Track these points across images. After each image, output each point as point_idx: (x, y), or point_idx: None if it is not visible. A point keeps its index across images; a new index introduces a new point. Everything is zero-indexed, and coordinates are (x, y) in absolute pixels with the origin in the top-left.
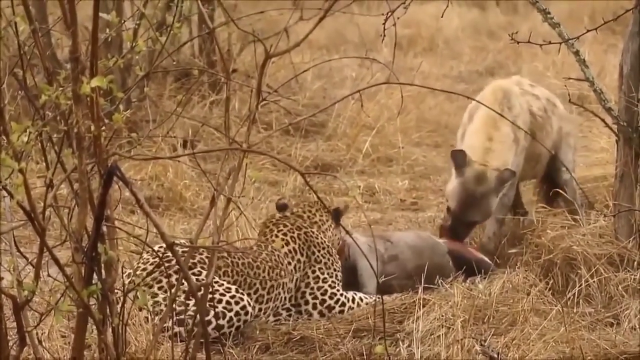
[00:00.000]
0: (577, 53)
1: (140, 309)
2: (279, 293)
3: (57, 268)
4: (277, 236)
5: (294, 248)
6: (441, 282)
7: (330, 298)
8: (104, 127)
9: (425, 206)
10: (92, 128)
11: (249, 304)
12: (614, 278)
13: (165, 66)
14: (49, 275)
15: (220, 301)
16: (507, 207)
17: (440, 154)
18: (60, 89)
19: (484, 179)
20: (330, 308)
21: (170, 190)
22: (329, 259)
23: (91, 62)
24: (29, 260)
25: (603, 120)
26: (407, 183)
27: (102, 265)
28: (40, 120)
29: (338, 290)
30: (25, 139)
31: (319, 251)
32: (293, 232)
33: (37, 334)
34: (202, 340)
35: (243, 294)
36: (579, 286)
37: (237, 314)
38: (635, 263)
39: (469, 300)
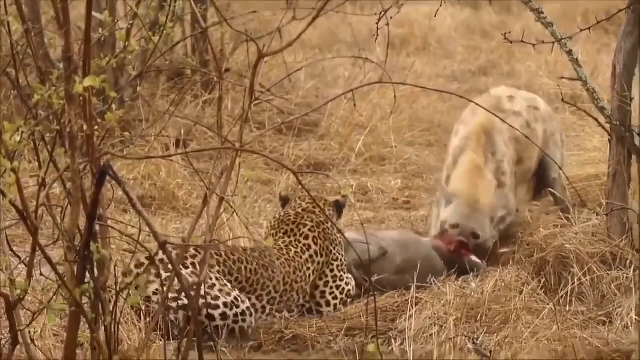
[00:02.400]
0: (570, 52)
1: (133, 307)
2: (293, 295)
3: (49, 267)
4: (302, 237)
5: (316, 251)
6: (434, 281)
7: (347, 295)
8: (96, 127)
9: (418, 205)
10: (85, 127)
11: (247, 309)
12: (606, 276)
13: (158, 66)
14: (41, 274)
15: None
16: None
17: (433, 153)
18: (53, 88)
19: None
20: (345, 304)
21: (162, 189)
22: (342, 255)
23: (84, 62)
24: (22, 259)
25: (596, 119)
26: (400, 182)
27: (95, 264)
28: (33, 119)
29: (352, 287)
30: (18, 139)
31: (334, 248)
32: (315, 232)
33: (29, 332)
34: (194, 338)
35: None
36: (572, 284)
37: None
38: (628, 261)
39: (461, 299)
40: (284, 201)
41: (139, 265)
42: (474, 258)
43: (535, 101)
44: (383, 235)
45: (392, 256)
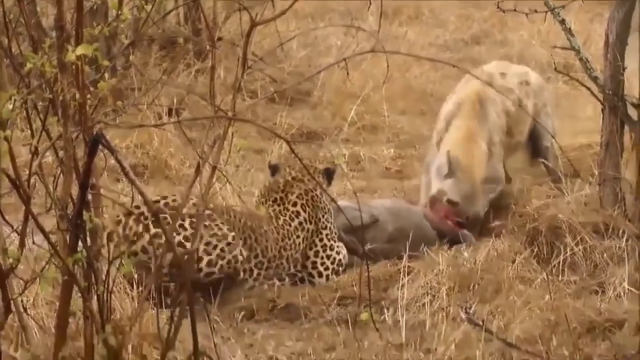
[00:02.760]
0: (562, 22)
1: (125, 276)
2: (282, 263)
3: (42, 236)
4: (290, 204)
5: (305, 218)
6: (426, 250)
7: (338, 265)
8: (89, 95)
9: (410, 174)
10: (77, 96)
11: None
12: (599, 246)
13: (150, 34)
14: (34, 243)
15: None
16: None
17: (425, 122)
18: (46, 57)
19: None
20: (337, 273)
21: (155, 158)
22: (331, 223)
23: (76, 30)
24: (14, 228)
25: (589, 88)
26: (392, 151)
27: (87, 232)
28: (26, 88)
29: (343, 255)
30: (10, 107)
31: (323, 216)
32: (303, 199)
33: (22, 301)
34: (187, 307)
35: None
36: (564, 254)
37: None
38: (621, 231)
39: (454, 268)
40: (274, 170)
41: (127, 214)
42: (465, 232)
43: (527, 75)
44: (375, 203)
45: (383, 224)
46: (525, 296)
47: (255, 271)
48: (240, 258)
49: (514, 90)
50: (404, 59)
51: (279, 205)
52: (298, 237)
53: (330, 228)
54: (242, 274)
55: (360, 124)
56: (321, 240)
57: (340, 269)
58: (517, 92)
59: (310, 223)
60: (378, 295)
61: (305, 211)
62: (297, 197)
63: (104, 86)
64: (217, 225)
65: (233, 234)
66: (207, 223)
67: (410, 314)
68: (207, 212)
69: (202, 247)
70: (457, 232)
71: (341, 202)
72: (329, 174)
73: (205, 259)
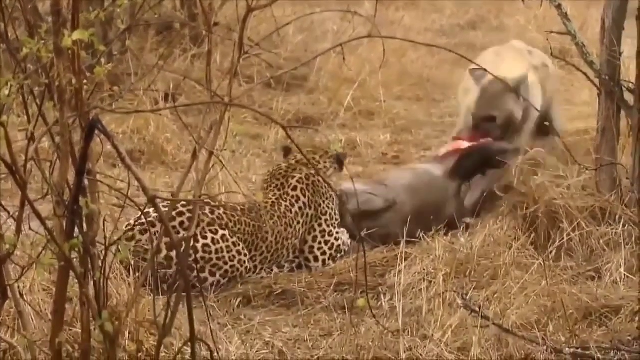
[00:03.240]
0: (559, 6)
1: (122, 262)
2: (282, 253)
3: (38, 222)
4: (290, 188)
5: (304, 203)
6: (422, 236)
7: (337, 251)
8: (85, 81)
9: (407, 159)
10: (74, 81)
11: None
12: (595, 232)
13: (147, 19)
14: (30, 229)
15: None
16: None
17: (422, 108)
18: (42, 42)
19: (500, 80)
20: (334, 259)
21: (151, 143)
22: (332, 209)
23: (73, 15)
24: (11, 213)
25: (585, 74)
26: (388, 137)
27: (84, 218)
28: (22, 73)
29: (343, 242)
30: (7, 92)
31: (323, 202)
32: (303, 183)
33: (18, 287)
34: (183, 293)
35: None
36: (561, 240)
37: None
38: (617, 217)
39: (450, 254)
40: (286, 152)
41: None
42: (502, 144)
43: (547, 59)
44: (393, 182)
45: (401, 206)
46: (521, 282)
47: (259, 267)
48: (245, 264)
49: (538, 68)
50: (401, 44)
51: (279, 190)
52: (298, 222)
53: (330, 214)
54: (245, 273)
55: (356, 109)
56: (320, 225)
57: (339, 255)
58: (540, 71)
59: (310, 208)
60: (375, 281)
61: (305, 196)
62: (297, 181)
63: (100, 71)
64: (223, 237)
65: (240, 246)
66: (213, 236)
67: (406, 299)
68: (212, 219)
69: (208, 267)
70: (495, 147)
71: (357, 185)
72: (339, 160)
73: (210, 279)
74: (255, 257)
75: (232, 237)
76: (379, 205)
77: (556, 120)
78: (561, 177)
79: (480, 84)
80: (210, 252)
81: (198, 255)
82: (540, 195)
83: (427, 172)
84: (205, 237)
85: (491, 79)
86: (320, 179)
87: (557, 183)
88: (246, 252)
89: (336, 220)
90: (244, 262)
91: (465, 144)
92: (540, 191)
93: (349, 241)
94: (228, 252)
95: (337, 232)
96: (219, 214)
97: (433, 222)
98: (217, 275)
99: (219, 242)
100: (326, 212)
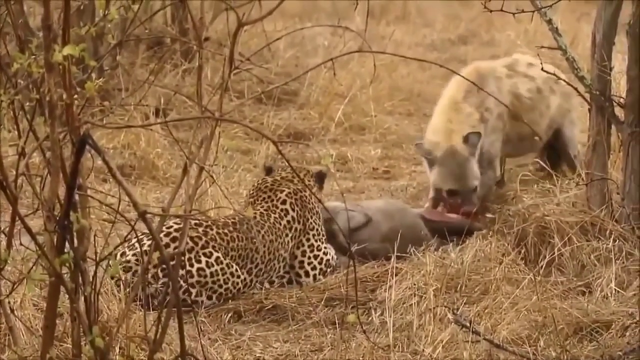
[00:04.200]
0: (549, 21)
1: (112, 278)
2: (274, 265)
3: (29, 237)
4: (279, 202)
5: (293, 217)
6: (413, 251)
7: (326, 266)
8: (76, 96)
9: (397, 174)
10: (65, 96)
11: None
12: (586, 247)
13: (137, 34)
14: (21, 244)
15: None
16: (488, 186)
17: (412, 123)
18: (33, 57)
19: (454, 151)
20: (325, 274)
21: (142, 158)
22: (319, 225)
23: (63, 30)
24: (1, 228)
25: (576, 88)
26: (379, 151)
27: (74, 234)
28: (13, 88)
29: (332, 257)
30: None
31: (311, 217)
32: (292, 198)
33: (9, 302)
34: (174, 308)
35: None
36: (551, 255)
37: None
38: (608, 232)
39: (441, 269)
40: (268, 171)
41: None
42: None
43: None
44: (367, 204)
45: (377, 224)
46: (512, 297)
47: (255, 280)
48: (238, 285)
49: (535, 79)
50: (391, 59)
51: (267, 203)
52: (287, 235)
53: (317, 229)
54: (237, 293)
55: (347, 124)
56: (308, 240)
57: (328, 270)
58: (540, 83)
59: (299, 222)
60: (365, 296)
61: (293, 210)
62: (286, 195)
63: (91, 87)
64: (217, 259)
65: (234, 267)
66: (207, 260)
67: (397, 315)
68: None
69: (204, 292)
70: (464, 222)
71: (334, 203)
72: (320, 177)
73: (207, 302)
74: (252, 270)
75: (225, 259)
76: (361, 221)
77: (570, 143)
78: (550, 194)
79: (435, 160)
80: (205, 276)
81: (194, 280)
82: (529, 214)
83: (398, 202)
84: (199, 261)
85: (445, 153)
86: (307, 194)
87: (546, 201)
88: (239, 273)
89: (323, 235)
90: (238, 283)
91: (451, 216)
92: (530, 210)
93: (335, 256)
94: (223, 275)
95: (325, 247)
96: (212, 234)
97: (409, 243)
98: (214, 298)
99: (213, 265)
100: (313, 227)
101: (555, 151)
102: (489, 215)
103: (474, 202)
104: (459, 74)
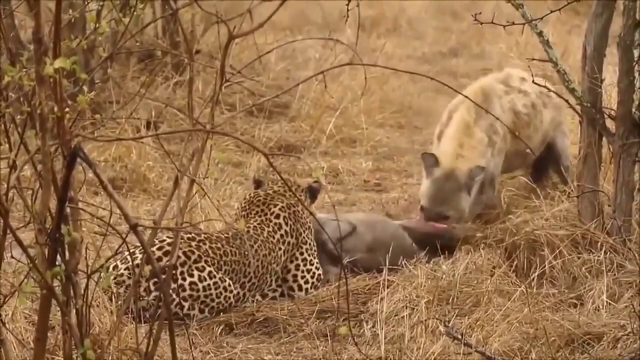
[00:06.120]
0: (540, 34)
1: (104, 291)
2: (267, 278)
3: (20, 249)
4: (273, 216)
5: (286, 231)
6: (405, 263)
7: (318, 280)
8: (67, 109)
9: (389, 187)
10: (56, 109)
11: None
12: (577, 259)
13: (128, 47)
14: (12, 257)
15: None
16: (484, 204)
17: (403, 135)
18: (24, 70)
19: (452, 176)
20: (316, 288)
21: (133, 171)
22: (311, 239)
23: (54, 43)
24: None
25: (566, 101)
26: (370, 164)
27: (66, 246)
28: (4, 101)
29: (322, 271)
30: None
31: (304, 231)
32: (285, 212)
33: (0, 315)
34: (165, 321)
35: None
36: (543, 267)
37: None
38: (599, 244)
39: (432, 281)
40: (258, 184)
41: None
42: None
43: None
44: (350, 216)
45: (362, 234)
46: (504, 309)
47: (248, 294)
48: (230, 300)
49: (529, 94)
50: (382, 71)
51: (260, 216)
52: (280, 249)
53: (309, 243)
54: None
55: (338, 137)
56: (302, 254)
57: (319, 283)
58: (534, 97)
59: (292, 237)
60: (357, 308)
61: (287, 224)
62: (279, 209)
63: (82, 100)
64: (210, 273)
65: (227, 282)
66: (199, 274)
67: (389, 327)
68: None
69: (197, 306)
70: (444, 231)
71: (319, 215)
72: (312, 192)
73: (199, 315)
74: (245, 284)
75: (218, 273)
76: (347, 230)
77: (563, 154)
78: (540, 210)
79: (430, 175)
80: (198, 290)
81: (186, 293)
82: (519, 229)
83: (377, 214)
84: (192, 275)
85: (442, 173)
86: (300, 209)
87: (535, 217)
88: (232, 287)
89: (314, 250)
90: (230, 297)
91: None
92: (520, 225)
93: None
94: (215, 289)
95: (317, 262)
96: (205, 249)
97: (395, 253)
98: (206, 312)
99: (206, 279)
100: (306, 241)
101: (543, 163)
102: (477, 234)
103: (440, 226)
104: (450, 87)
